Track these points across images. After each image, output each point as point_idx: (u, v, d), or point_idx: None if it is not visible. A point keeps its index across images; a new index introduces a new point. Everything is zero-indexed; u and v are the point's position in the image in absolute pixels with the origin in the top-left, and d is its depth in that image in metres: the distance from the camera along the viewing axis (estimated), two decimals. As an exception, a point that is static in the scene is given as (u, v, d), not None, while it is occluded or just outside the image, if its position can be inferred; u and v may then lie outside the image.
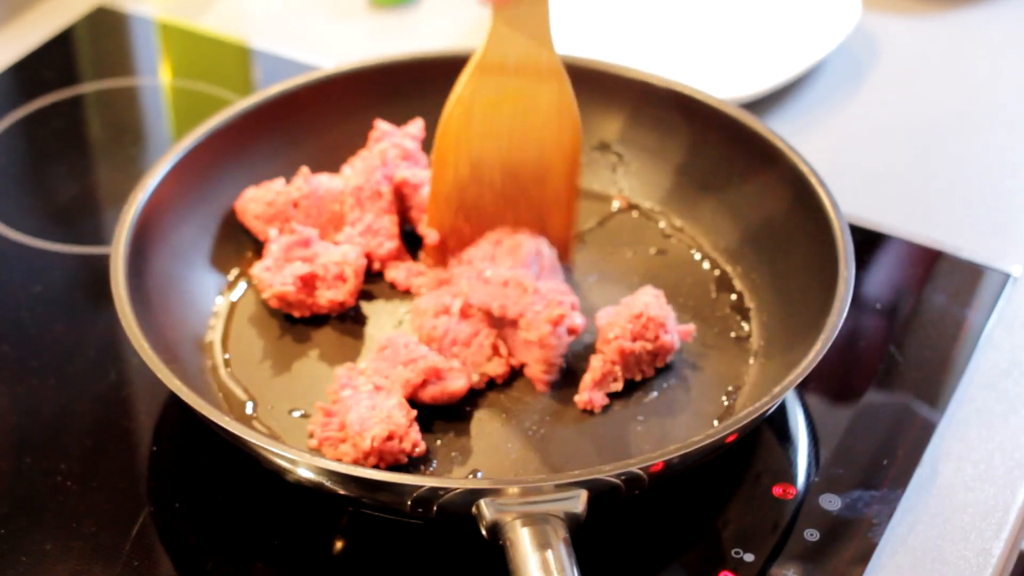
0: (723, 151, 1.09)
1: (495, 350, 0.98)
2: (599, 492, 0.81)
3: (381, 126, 1.09)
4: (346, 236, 1.06)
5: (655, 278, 1.06)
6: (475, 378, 0.96)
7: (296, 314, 1.02)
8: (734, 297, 1.05)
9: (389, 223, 1.06)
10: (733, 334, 1.02)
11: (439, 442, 0.94)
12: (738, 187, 1.08)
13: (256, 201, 1.07)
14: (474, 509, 0.80)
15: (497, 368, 0.98)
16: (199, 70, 1.35)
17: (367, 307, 1.04)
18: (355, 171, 1.08)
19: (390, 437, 0.89)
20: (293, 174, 1.09)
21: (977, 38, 1.40)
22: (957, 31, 1.40)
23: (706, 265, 1.07)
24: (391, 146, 1.08)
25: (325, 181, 1.08)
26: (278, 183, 1.08)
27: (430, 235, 1.03)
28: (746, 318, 1.03)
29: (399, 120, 1.11)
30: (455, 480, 0.86)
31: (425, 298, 1.01)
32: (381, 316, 1.04)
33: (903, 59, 1.37)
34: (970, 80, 1.35)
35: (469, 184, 1.00)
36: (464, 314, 0.98)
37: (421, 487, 0.81)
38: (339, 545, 0.90)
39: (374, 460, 0.89)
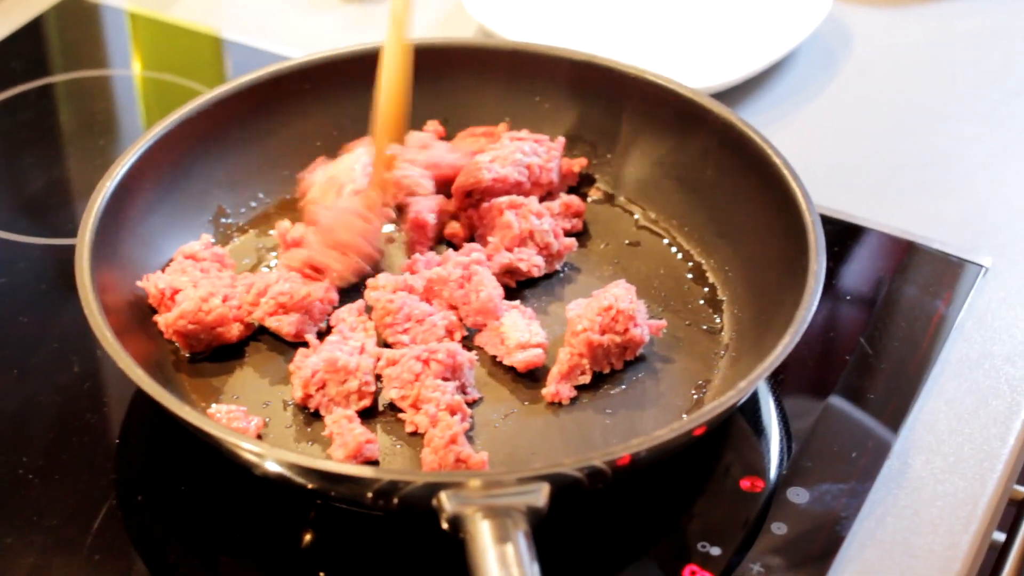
0: (698, 143, 1.08)
1: (449, 333, 0.99)
2: (561, 486, 0.81)
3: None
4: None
5: (628, 270, 1.05)
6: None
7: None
8: (707, 290, 1.04)
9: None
10: (705, 327, 1.01)
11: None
12: (713, 179, 1.08)
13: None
14: (435, 502, 0.79)
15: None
16: (170, 61, 1.34)
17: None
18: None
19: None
20: (262, 165, 1.09)
21: (949, 30, 1.39)
22: (929, 22, 1.40)
23: (680, 257, 1.07)
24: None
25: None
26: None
27: None
28: (718, 311, 1.02)
29: (368, 110, 1.10)
30: (415, 473, 0.86)
31: (384, 275, 1.01)
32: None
33: (875, 50, 1.36)
34: (942, 71, 1.34)
35: None
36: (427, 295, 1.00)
37: (381, 479, 0.81)
38: (306, 538, 0.89)
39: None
